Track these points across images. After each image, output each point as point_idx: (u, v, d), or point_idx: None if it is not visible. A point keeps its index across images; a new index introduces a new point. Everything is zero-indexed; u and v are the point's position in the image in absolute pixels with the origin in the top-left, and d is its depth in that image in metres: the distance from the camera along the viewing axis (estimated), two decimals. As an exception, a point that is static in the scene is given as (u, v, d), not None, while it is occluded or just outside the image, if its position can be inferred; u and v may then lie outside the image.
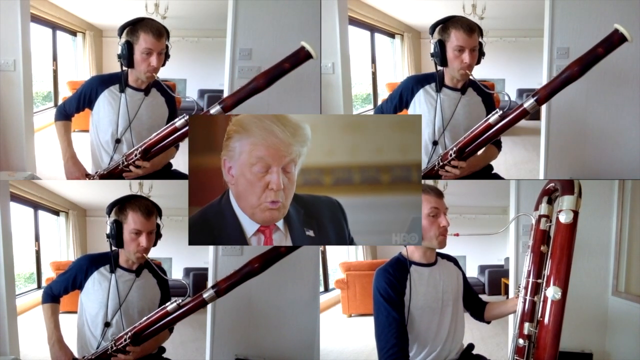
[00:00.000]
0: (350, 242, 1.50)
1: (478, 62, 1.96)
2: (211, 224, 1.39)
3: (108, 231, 1.89)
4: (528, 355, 1.49)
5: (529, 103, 1.75)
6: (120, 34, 1.98)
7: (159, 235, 1.95)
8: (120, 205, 1.90)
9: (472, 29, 1.91)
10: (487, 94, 2.02)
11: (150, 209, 1.90)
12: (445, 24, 1.94)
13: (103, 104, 2.04)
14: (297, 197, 1.41)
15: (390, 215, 1.64)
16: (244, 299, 2.41)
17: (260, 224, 1.39)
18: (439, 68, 1.99)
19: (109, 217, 1.89)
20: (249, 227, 1.39)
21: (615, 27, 1.62)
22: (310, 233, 1.44)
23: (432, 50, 1.96)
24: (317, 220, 1.44)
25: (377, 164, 1.64)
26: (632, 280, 2.41)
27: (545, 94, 1.73)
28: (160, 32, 1.96)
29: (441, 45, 1.94)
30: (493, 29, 3.00)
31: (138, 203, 1.89)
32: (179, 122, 1.90)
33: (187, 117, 1.87)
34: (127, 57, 1.96)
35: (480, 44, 1.94)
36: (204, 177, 1.52)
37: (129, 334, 1.81)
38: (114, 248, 1.93)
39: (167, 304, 1.80)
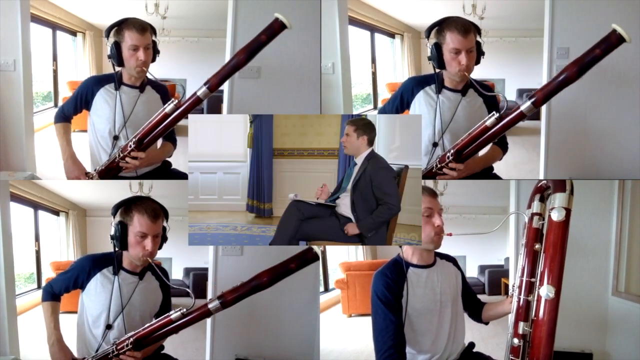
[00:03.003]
0: None
1: (478, 62, 1.93)
2: None
3: (112, 232, 1.80)
4: (523, 355, 1.48)
5: (525, 106, 1.70)
6: (107, 36, 2.03)
7: (164, 239, 1.87)
8: (126, 207, 1.81)
9: (467, 29, 1.86)
10: (489, 96, 1.98)
11: (157, 212, 1.81)
12: (441, 26, 1.89)
13: (99, 102, 2.06)
14: None
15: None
16: (244, 300, 2.40)
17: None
18: (438, 70, 1.96)
19: (114, 218, 1.81)
20: None
21: (613, 28, 1.57)
22: None
23: (428, 54, 1.93)
24: None
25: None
26: (632, 280, 2.40)
27: (542, 97, 1.69)
28: (143, 27, 1.99)
29: (437, 48, 1.89)
30: (493, 29, 3.00)
31: (145, 205, 1.80)
32: (168, 107, 1.92)
33: (176, 101, 1.92)
34: (116, 56, 2.00)
35: (479, 44, 1.90)
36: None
37: (131, 339, 1.77)
38: (117, 250, 1.84)
39: (171, 312, 1.74)
